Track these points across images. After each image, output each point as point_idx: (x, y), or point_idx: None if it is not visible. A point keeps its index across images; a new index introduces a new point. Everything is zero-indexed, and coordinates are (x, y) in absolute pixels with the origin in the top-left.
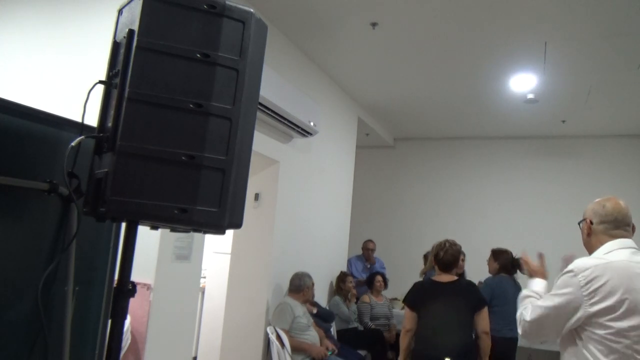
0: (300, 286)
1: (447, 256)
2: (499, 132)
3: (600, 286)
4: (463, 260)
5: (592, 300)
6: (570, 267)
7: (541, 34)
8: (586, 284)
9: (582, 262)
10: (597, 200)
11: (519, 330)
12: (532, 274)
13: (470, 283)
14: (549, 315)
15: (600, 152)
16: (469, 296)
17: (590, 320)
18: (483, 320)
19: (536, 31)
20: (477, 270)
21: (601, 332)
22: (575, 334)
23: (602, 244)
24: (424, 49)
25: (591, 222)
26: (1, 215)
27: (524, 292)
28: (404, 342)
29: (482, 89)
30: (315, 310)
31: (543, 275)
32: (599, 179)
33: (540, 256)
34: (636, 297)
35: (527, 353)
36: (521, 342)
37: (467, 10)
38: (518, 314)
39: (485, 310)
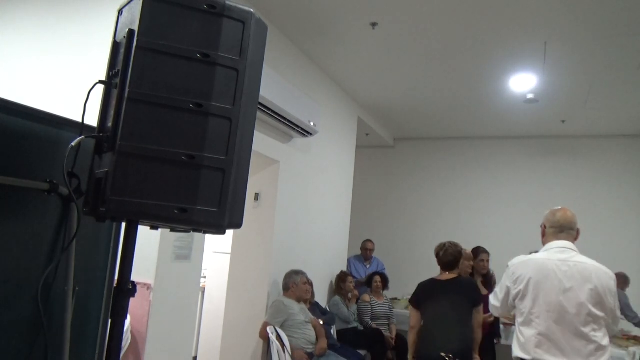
0: (287, 284)
1: (446, 256)
2: (499, 132)
3: (519, 276)
4: (488, 260)
5: (515, 285)
6: (509, 263)
7: (541, 34)
8: (512, 274)
9: (514, 260)
10: (551, 209)
11: (491, 311)
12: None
13: (470, 280)
14: (501, 298)
15: (600, 152)
16: (468, 292)
17: (515, 298)
18: (478, 314)
19: (536, 31)
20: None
21: (519, 305)
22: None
23: (548, 242)
24: (424, 49)
25: (545, 226)
26: (1, 215)
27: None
28: (410, 339)
29: (482, 89)
30: (322, 322)
31: None
32: (598, 179)
33: None
34: (537, 282)
35: None
36: None
37: (467, 10)
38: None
39: (482, 307)
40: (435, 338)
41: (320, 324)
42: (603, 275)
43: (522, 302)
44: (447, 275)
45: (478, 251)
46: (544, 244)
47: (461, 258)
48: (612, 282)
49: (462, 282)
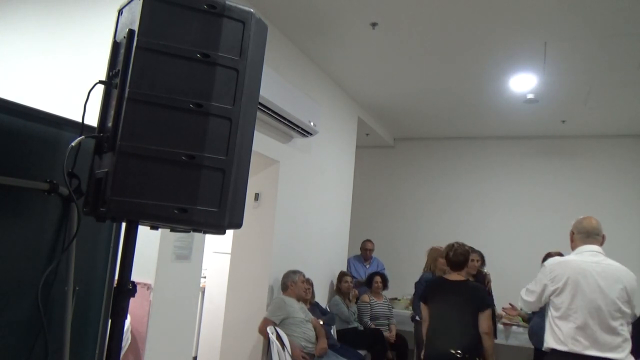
0: (285, 283)
1: (456, 256)
2: (499, 132)
3: (556, 275)
4: (478, 260)
5: (553, 283)
6: (545, 263)
7: (541, 34)
8: (550, 272)
9: (551, 260)
10: (577, 218)
11: (522, 306)
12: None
13: (477, 285)
14: (537, 293)
15: (600, 152)
16: (473, 297)
17: (550, 294)
18: (484, 321)
19: (536, 31)
20: None
21: (555, 299)
22: (547, 304)
23: (578, 247)
24: (424, 49)
25: (573, 233)
26: (1, 215)
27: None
28: (424, 332)
29: (482, 89)
30: (322, 322)
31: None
32: (599, 179)
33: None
34: (575, 280)
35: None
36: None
37: (467, 10)
38: (520, 297)
39: (488, 312)
40: (438, 337)
41: (320, 324)
42: (630, 276)
43: (559, 298)
44: (456, 277)
45: None
46: (572, 248)
47: (469, 258)
48: (635, 283)
49: (469, 285)
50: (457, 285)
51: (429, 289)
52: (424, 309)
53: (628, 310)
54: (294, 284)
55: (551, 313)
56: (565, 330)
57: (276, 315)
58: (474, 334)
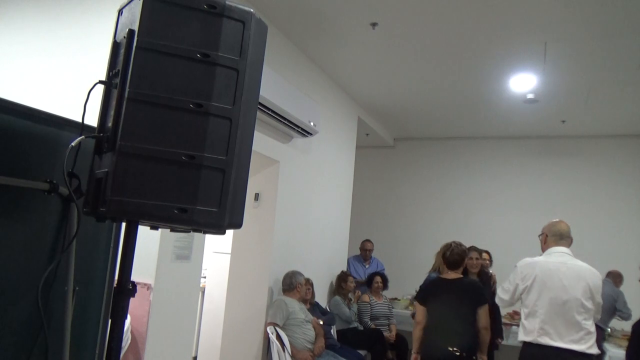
0: (292, 284)
1: (453, 255)
2: (499, 132)
3: (526, 275)
4: (477, 259)
5: (523, 282)
6: (517, 264)
7: (541, 34)
8: (520, 272)
9: (522, 261)
10: (550, 221)
11: (498, 303)
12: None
13: (474, 281)
14: (511, 292)
15: (600, 152)
16: (471, 293)
17: (521, 292)
18: (482, 316)
19: (536, 31)
20: None
21: (524, 297)
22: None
23: (549, 248)
24: (424, 49)
25: (546, 235)
26: (1, 215)
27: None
28: (415, 334)
29: (482, 89)
30: (322, 322)
31: None
32: (598, 179)
33: None
34: (541, 280)
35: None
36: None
37: (467, 10)
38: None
39: (486, 307)
40: (438, 335)
41: (320, 324)
42: (593, 275)
43: (527, 295)
44: (453, 275)
45: (467, 250)
46: (544, 250)
47: (466, 257)
48: (599, 281)
49: (465, 282)
50: (454, 283)
51: (427, 290)
52: (419, 310)
53: (590, 306)
54: (300, 285)
55: (522, 310)
56: (532, 325)
57: (279, 317)
58: (472, 331)
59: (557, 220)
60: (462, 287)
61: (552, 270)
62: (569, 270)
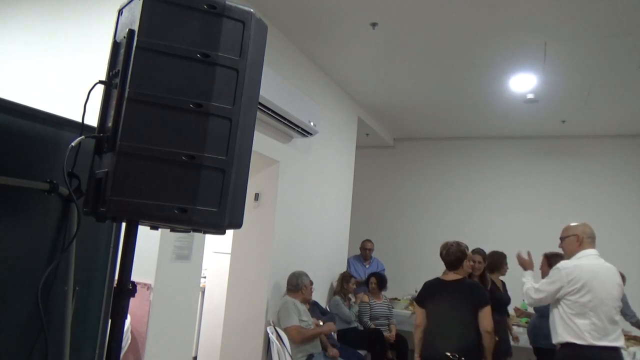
0: (298, 285)
1: (449, 256)
2: (499, 132)
3: (574, 277)
4: (479, 262)
5: (570, 285)
6: (558, 265)
7: (541, 34)
8: (567, 275)
9: (565, 263)
10: (582, 223)
11: (527, 302)
12: (525, 267)
13: (474, 283)
14: (548, 293)
15: (600, 152)
16: (471, 295)
17: (565, 294)
18: (484, 319)
19: (536, 31)
20: None
21: (572, 298)
22: (556, 301)
23: (582, 250)
24: (424, 49)
25: (579, 237)
26: (1, 215)
27: (524, 281)
28: (416, 337)
29: (482, 89)
30: (321, 322)
31: (531, 267)
32: (598, 179)
33: (529, 254)
34: (590, 282)
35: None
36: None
37: (467, 10)
38: (524, 292)
39: (488, 309)
40: (437, 338)
41: (320, 324)
42: (619, 275)
43: (575, 297)
44: (452, 276)
45: (473, 253)
46: (576, 251)
47: (465, 258)
48: (622, 281)
49: (465, 283)
50: (454, 284)
51: (426, 291)
52: (418, 312)
53: (621, 305)
54: (305, 287)
55: (564, 310)
56: (581, 326)
57: (296, 318)
58: (472, 334)
59: (583, 222)
60: (462, 288)
61: (596, 273)
62: (608, 272)
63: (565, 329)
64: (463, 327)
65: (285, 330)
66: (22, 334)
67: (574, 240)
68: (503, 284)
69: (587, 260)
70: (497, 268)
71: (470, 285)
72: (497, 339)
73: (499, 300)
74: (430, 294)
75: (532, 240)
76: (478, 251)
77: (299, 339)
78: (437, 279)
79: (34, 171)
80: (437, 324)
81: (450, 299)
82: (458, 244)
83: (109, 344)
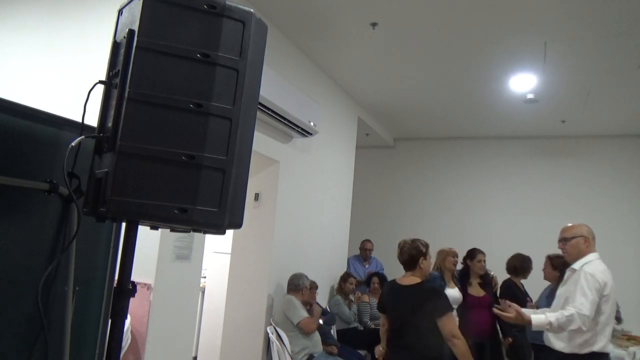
0: (298, 285)
1: (402, 255)
2: (499, 132)
3: (606, 283)
4: (485, 261)
5: (605, 291)
6: (589, 272)
7: (541, 34)
8: (602, 282)
9: (593, 269)
10: (581, 223)
11: (583, 325)
12: (517, 321)
13: (432, 289)
14: (595, 303)
15: (600, 152)
16: (427, 302)
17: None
18: (445, 325)
19: (536, 31)
20: None
21: (603, 306)
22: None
23: (591, 253)
24: (424, 49)
25: (587, 238)
26: (1, 215)
27: (550, 321)
28: (381, 332)
29: (482, 89)
30: (321, 320)
31: (523, 319)
32: (599, 179)
33: (510, 306)
34: (612, 287)
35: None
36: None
37: (467, 10)
38: (571, 320)
39: (449, 315)
40: (391, 349)
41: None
42: None
43: (606, 305)
44: (410, 279)
45: (475, 252)
46: (584, 253)
47: (421, 256)
48: None
49: (422, 289)
50: (409, 290)
51: (384, 296)
52: (382, 317)
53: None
54: (306, 289)
55: (596, 319)
56: (608, 334)
57: (300, 313)
58: (433, 343)
59: (581, 223)
60: (419, 295)
61: (611, 276)
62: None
63: (603, 337)
64: (418, 338)
65: (298, 325)
66: (22, 334)
67: (581, 242)
68: (522, 284)
69: (602, 265)
70: (523, 272)
71: (427, 291)
72: (510, 340)
73: (522, 303)
74: (388, 299)
75: (532, 240)
76: (481, 251)
77: (314, 328)
78: (393, 282)
79: (34, 171)
80: (394, 333)
81: (405, 306)
82: (413, 241)
83: (109, 344)
